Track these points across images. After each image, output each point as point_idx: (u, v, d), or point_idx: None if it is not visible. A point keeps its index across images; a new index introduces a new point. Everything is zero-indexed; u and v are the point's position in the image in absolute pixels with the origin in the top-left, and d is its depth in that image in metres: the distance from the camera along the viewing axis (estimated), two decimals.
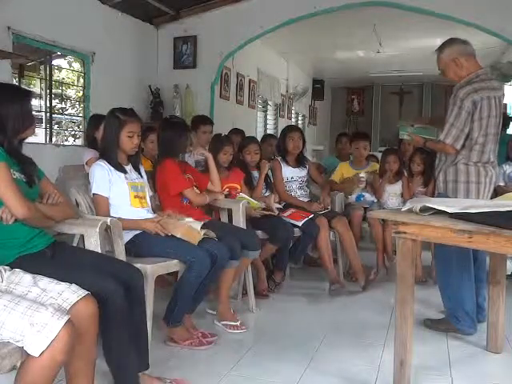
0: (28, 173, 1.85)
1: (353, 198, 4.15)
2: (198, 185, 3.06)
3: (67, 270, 1.77)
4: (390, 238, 3.75)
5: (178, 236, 2.44)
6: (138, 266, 2.11)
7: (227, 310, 2.81)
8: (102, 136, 2.58)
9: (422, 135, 2.86)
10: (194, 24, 5.46)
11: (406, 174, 4.17)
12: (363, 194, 4.11)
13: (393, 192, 4.12)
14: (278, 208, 3.52)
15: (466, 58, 2.66)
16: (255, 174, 3.72)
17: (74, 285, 1.61)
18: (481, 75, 2.65)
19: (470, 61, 2.67)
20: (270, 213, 3.41)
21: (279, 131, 7.86)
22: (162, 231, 2.43)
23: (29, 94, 1.90)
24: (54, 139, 4.74)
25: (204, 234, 2.51)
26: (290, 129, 3.97)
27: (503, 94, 2.74)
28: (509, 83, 7.00)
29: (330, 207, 3.81)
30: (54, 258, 1.87)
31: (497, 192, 3.54)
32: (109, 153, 2.46)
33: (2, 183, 1.68)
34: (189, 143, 3.02)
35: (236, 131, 4.52)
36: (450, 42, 2.74)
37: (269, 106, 8.04)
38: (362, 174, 4.03)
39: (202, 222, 2.57)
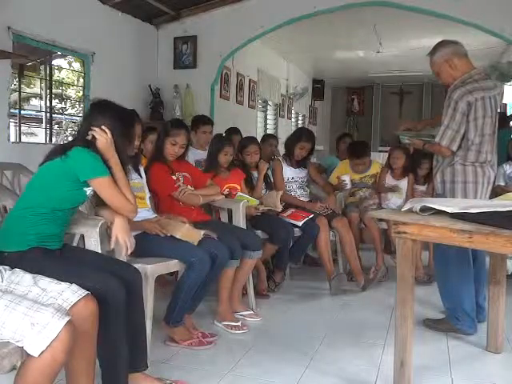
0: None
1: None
2: (194, 184, 3.03)
3: (68, 269, 1.77)
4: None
5: (178, 236, 2.44)
6: (137, 266, 2.12)
7: (227, 311, 2.81)
8: None
9: (420, 138, 2.88)
10: (193, 24, 5.45)
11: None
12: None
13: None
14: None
15: (459, 59, 2.65)
16: (255, 174, 3.71)
17: (74, 285, 1.61)
18: (474, 75, 2.63)
19: (463, 61, 2.66)
20: (269, 208, 3.40)
21: (279, 131, 7.93)
22: (161, 231, 2.43)
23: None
24: (54, 139, 4.74)
25: (204, 234, 2.51)
26: (304, 137, 3.78)
27: (499, 93, 2.73)
28: (509, 83, 7.00)
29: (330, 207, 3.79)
30: (58, 257, 1.89)
31: (497, 192, 3.54)
32: None
33: (111, 191, 1.96)
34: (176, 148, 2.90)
35: (234, 131, 4.51)
36: (441, 44, 2.73)
37: (269, 106, 8.04)
38: (344, 178, 3.97)
39: (203, 232, 2.54)
